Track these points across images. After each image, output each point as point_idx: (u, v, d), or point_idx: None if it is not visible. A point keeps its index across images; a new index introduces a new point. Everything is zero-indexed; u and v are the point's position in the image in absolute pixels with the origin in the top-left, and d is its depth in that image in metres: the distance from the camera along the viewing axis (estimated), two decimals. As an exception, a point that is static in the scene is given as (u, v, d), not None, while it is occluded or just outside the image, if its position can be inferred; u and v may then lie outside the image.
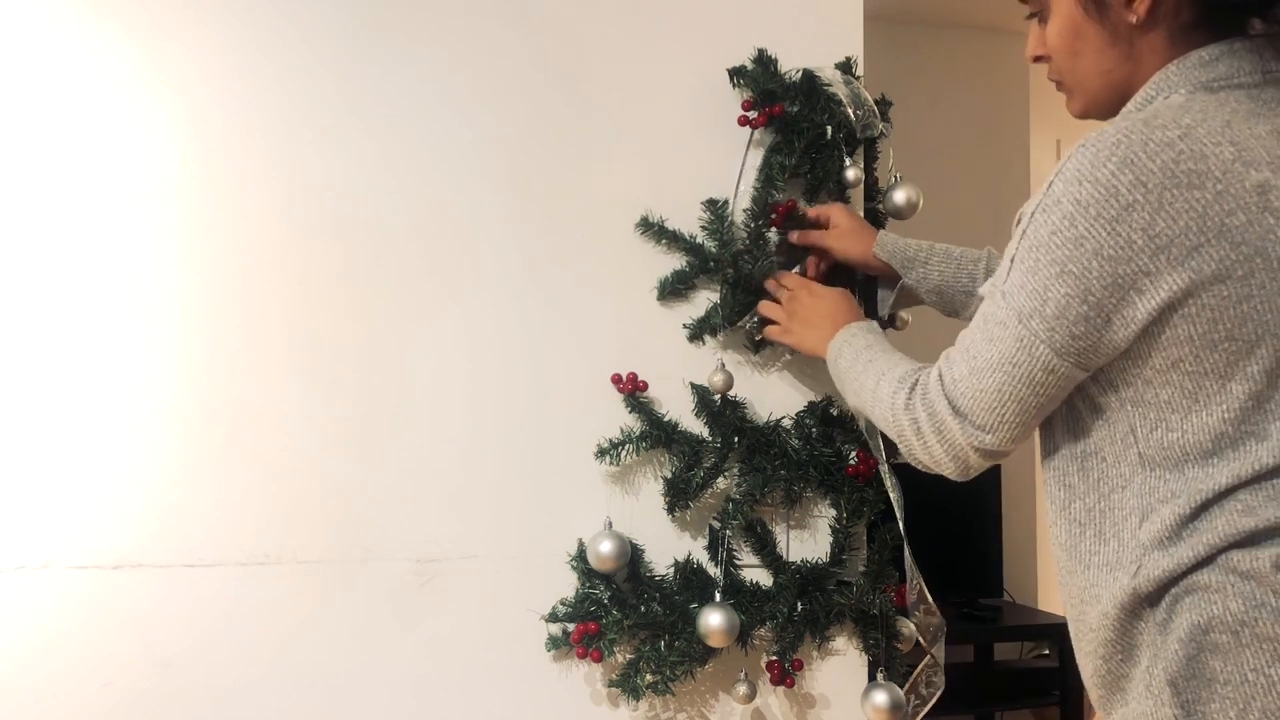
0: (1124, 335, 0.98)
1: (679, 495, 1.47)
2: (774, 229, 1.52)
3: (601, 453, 1.48)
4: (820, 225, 1.52)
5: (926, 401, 1.11)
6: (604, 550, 1.43)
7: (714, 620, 1.40)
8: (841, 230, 1.50)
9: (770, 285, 1.49)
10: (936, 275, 1.45)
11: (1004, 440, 1.06)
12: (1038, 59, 1.17)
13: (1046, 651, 4.02)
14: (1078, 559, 1.06)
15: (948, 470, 1.12)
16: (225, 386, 1.41)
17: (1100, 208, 0.94)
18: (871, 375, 1.24)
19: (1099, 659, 1.04)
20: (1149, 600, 0.99)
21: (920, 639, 1.50)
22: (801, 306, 1.44)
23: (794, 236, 1.52)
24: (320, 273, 1.44)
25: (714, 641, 1.41)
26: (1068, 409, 1.07)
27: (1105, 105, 1.11)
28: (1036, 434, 1.12)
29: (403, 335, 1.46)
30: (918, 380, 1.15)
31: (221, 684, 1.39)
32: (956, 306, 1.46)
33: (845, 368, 1.30)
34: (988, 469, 1.14)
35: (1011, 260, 1.02)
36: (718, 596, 1.44)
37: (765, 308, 1.49)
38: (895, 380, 1.17)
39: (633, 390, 1.48)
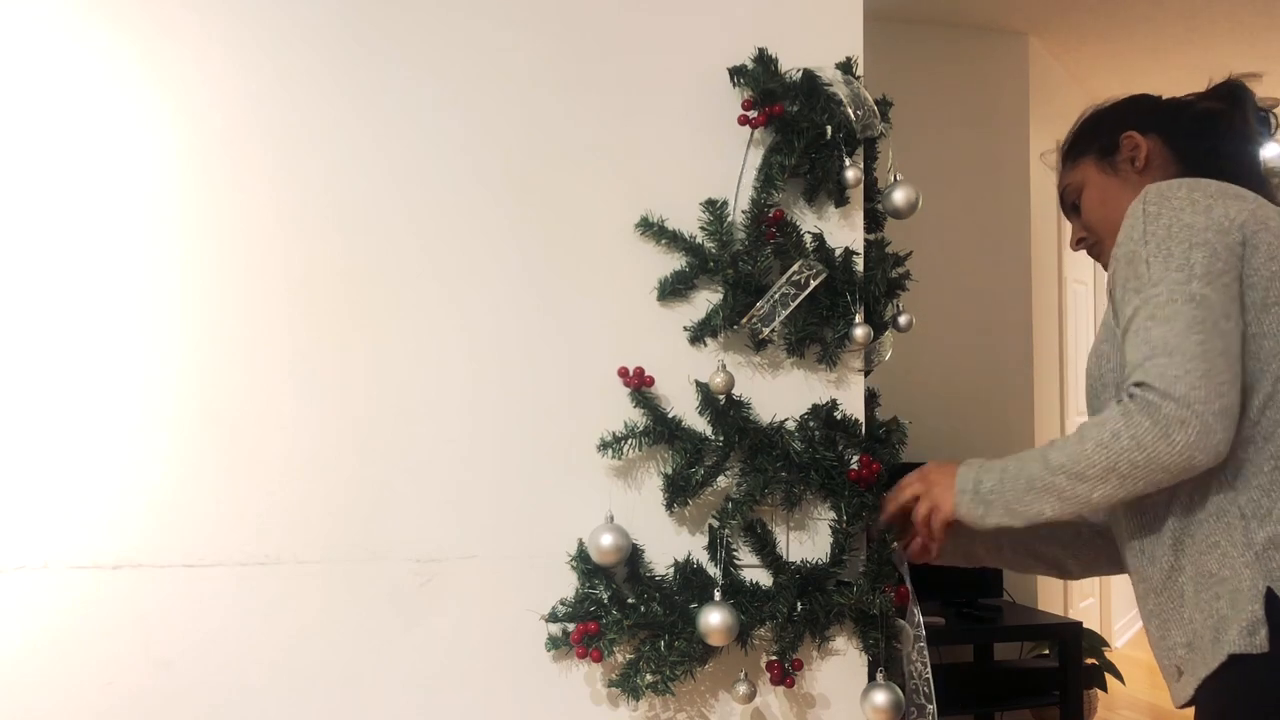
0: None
1: (679, 492, 1.48)
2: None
3: (604, 445, 1.48)
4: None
5: (1145, 405, 1.20)
6: (605, 543, 1.43)
7: (714, 619, 1.40)
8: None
9: (893, 507, 1.51)
10: (1024, 538, 1.59)
11: (1231, 399, 1.18)
12: (1080, 242, 1.54)
13: (1046, 651, 4.03)
14: None
15: (1201, 457, 1.19)
16: (225, 386, 1.41)
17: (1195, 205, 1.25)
18: (1032, 457, 1.31)
19: None
20: None
21: None
22: (926, 481, 1.47)
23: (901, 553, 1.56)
24: (320, 273, 1.44)
25: (714, 640, 1.41)
26: None
27: None
28: None
29: (403, 335, 1.46)
30: (1120, 406, 1.23)
31: (221, 684, 1.39)
32: (1050, 566, 1.62)
33: (993, 481, 1.35)
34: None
35: (1144, 269, 1.25)
36: (717, 595, 1.44)
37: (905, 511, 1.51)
38: (1096, 424, 1.25)
39: (639, 385, 1.49)
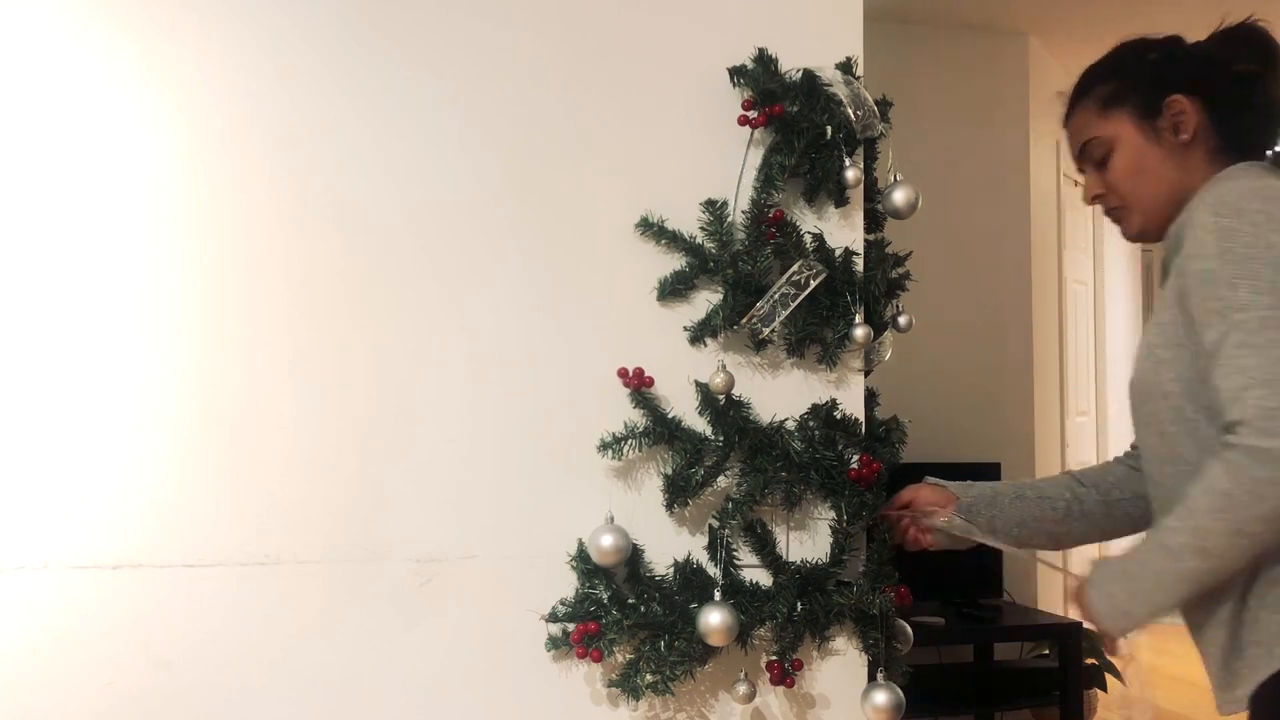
0: None
1: (679, 492, 1.48)
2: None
3: (604, 446, 1.48)
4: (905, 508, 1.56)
5: (1247, 452, 1.14)
6: (605, 544, 1.43)
7: (714, 619, 1.40)
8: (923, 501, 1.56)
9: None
10: (1015, 514, 1.53)
11: None
12: (1096, 198, 1.44)
13: (1046, 651, 4.02)
14: None
15: None
16: (225, 387, 1.41)
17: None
18: (1152, 550, 1.24)
19: None
20: None
21: None
22: (1079, 606, 1.40)
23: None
24: (320, 273, 1.44)
25: (714, 640, 1.41)
26: None
27: (1163, 216, 1.37)
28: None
29: (403, 335, 1.46)
30: (1222, 462, 1.17)
31: (221, 684, 1.39)
32: (1044, 539, 1.55)
33: (1124, 591, 1.28)
34: None
35: (1223, 288, 1.20)
36: (717, 595, 1.44)
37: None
38: (1203, 490, 1.18)
39: (639, 386, 1.49)
